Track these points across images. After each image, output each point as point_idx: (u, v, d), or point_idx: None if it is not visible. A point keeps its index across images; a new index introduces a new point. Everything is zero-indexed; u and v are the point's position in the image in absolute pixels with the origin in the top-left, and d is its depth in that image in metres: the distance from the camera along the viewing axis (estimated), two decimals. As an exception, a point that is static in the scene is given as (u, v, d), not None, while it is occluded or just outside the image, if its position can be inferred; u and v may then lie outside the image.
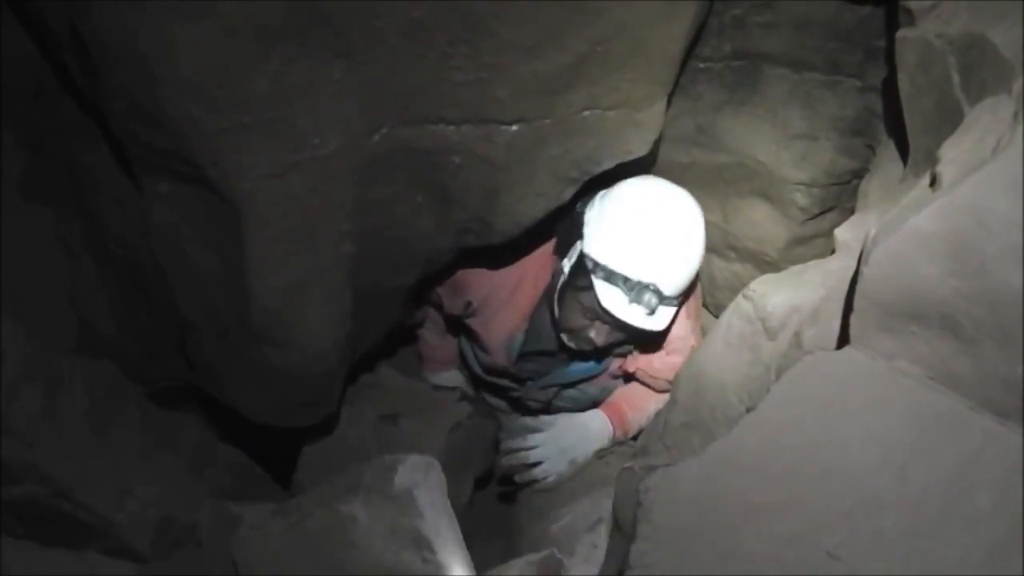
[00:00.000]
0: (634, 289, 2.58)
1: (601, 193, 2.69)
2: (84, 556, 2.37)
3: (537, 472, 2.87)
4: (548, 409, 3.24)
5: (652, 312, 2.62)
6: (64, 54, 2.23)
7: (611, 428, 2.92)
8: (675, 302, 2.67)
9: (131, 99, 2.05)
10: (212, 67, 1.93)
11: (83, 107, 2.43)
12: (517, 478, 2.91)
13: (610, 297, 2.61)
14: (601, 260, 2.60)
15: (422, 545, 2.37)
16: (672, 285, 2.61)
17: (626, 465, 2.32)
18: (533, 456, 2.88)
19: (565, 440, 2.90)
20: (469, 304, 3.04)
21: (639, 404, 3.00)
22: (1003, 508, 1.39)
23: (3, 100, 2.47)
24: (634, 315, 2.61)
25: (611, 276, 2.59)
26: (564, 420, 2.97)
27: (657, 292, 2.58)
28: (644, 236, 2.58)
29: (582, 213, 2.71)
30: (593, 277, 2.62)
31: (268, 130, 2.06)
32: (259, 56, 1.96)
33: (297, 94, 2.05)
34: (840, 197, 2.81)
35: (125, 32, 1.91)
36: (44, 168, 2.59)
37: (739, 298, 2.29)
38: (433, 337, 3.50)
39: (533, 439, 2.91)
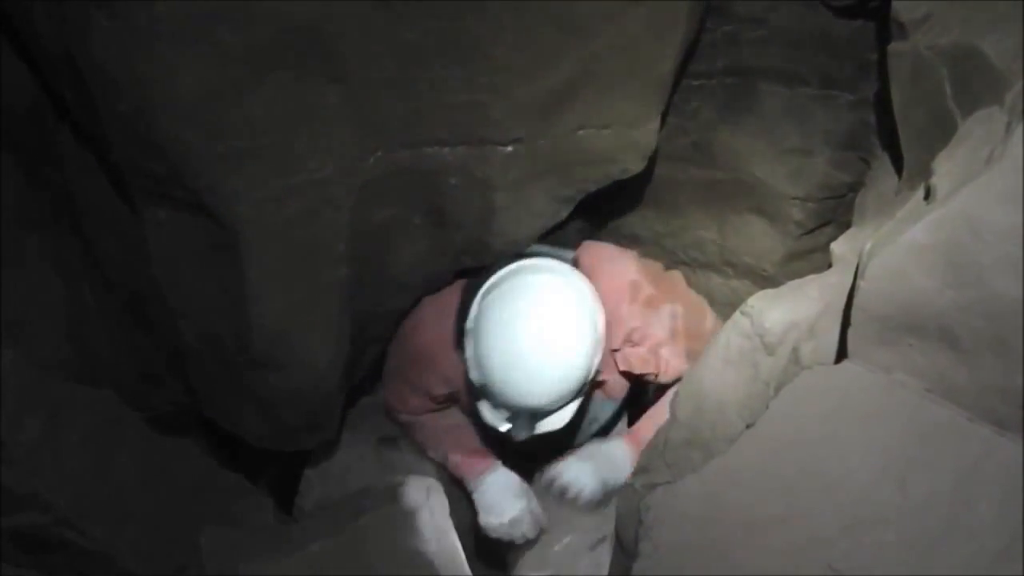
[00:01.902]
0: (512, 411, 2.46)
1: (480, 295, 2.54)
2: (87, 584, 2.37)
3: (574, 489, 2.82)
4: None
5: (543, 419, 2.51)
6: (61, 82, 2.23)
7: (634, 458, 2.85)
8: (567, 403, 2.51)
9: (128, 126, 2.05)
10: (208, 93, 1.94)
11: (80, 135, 2.44)
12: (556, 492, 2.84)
13: (494, 416, 2.51)
14: (476, 382, 2.48)
15: (426, 568, 2.37)
16: (552, 401, 2.44)
17: (627, 483, 2.32)
18: (567, 477, 2.83)
19: (599, 468, 2.85)
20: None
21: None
22: (1004, 519, 1.40)
23: (1, 129, 2.48)
24: (524, 427, 2.49)
25: (490, 397, 2.47)
26: (594, 450, 2.91)
27: (535, 413, 2.46)
28: (508, 367, 2.38)
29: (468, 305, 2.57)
30: (477, 393, 2.52)
31: (264, 155, 2.06)
32: (254, 81, 1.96)
33: (292, 118, 2.05)
34: (836, 211, 2.81)
35: (121, 59, 1.91)
36: (42, 196, 2.59)
37: (737, 314, 2.29)
38: (439, 419, 2.99)
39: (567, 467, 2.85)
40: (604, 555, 2.57)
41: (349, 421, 2.98)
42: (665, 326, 2.71)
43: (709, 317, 2.80)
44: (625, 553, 1.88)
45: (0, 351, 2.15)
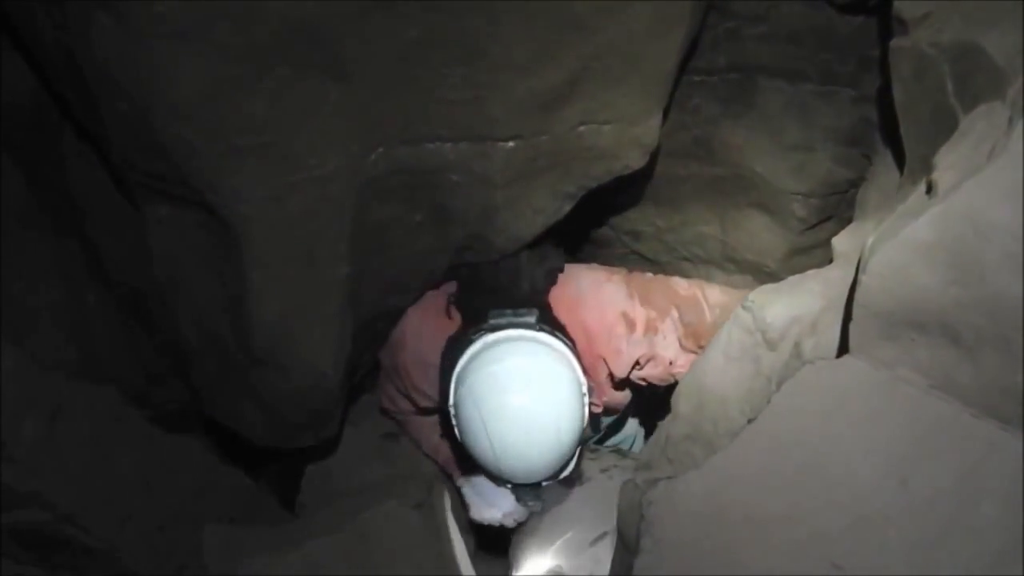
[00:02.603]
0: (512, 486, 2.49)
1: (454, 381, 2.53)
2: (88, 582, 2.37)
3: None
4: None
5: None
6: (62, 82, 2.23)
7: None
8: (567, 462, 2.52)
9: (129, 125, 2.05)
10: (208, 92, 1.94)
11: (81, 135, 2.44)
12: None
13: (495, 484, 2.54)
14: (475, 460, 2.48)
15: (427, 565, 2.38)
16: (551, 471, 2.46)
17: (628, 479, 2.32)
18: None
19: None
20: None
21: None
22: (1007, 517, 1.39)
23: (1, 129, 2.48)
24: (529, 494, 2.52)
25: (488, 475, 2.49)
26: None
27: (538, 484, 2.47)
28: (499, 459, 2.39)
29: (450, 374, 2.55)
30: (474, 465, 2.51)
31: (265, 153, 2.06)
32: (255, 80, 1.96)
33: (293, 116, 2.05)
34: (838, 207, 2.81)
35: (122, 59, 1.91)
36: (43, 196, 2.59)
37: (738, 309, 2.28)
38: (428, 418, 3.01)
39: None
40: (605, 550, 2.57)
41: (351, 418, 2.98)
42: (672, 344, 2.72)
43: (705, 303, 2.78)
44: (626, 548, 1.88)
45: (1, 350, 2.15)
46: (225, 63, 1.91)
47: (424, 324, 2.73)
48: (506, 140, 2.28)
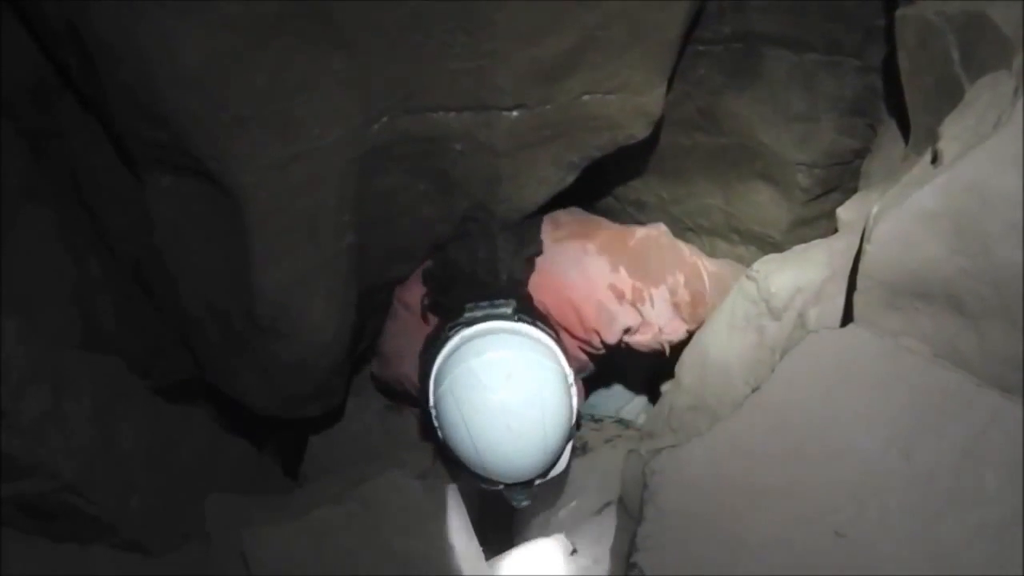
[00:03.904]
0: (503, 487, 2.38)
1: (432, 380, 2.42)
2: (92, 551, 2.37)
3: None
4: None
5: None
6: (63, 52, 2.22)
7: None
8: (559, 455, 2.43)
9: (131, 95, 2.05)
10: (211, 61, 1.93)
11: (84, 105, 2.44)
12: None
13: (486, 483, 2.42)
14: (459, 461, 2.38)
15: (430, 534, 2.38)
16: (540, 470, 2.36)
17: (632, 449, 2.32)
18: None
19: None
20: None
21: None
22: (1010, 486, 1.40)
23: (3, 99, 2.47)
24: (520, 493, 2.41)
25: (475, 476, 2.39)
26: None
27: (529, 483, 2.37)
28: (484, 460, 2.28)
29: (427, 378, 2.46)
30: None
31: (268, 122, 2.06)
32: (258, 49, 1.96)
33: (296, 86, 2.05)
34: (842, 177, 2.81)
35: (124, 28, 1.90)
36: (45, 166, 2.59)
37: (743, 279, 2.29)
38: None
39: None
40: (609, 520, 2.57)
41: (354, 388, 2.99)
42: (663, 311, 2.69)
43: (704, 272, 2.77)
44: (630, 517, 1.88)
45: (3, 321, 2.15)
46: (228, 33, 1.91)
47: (412, 334, 2.70)
48: (510, 109, 2.28)
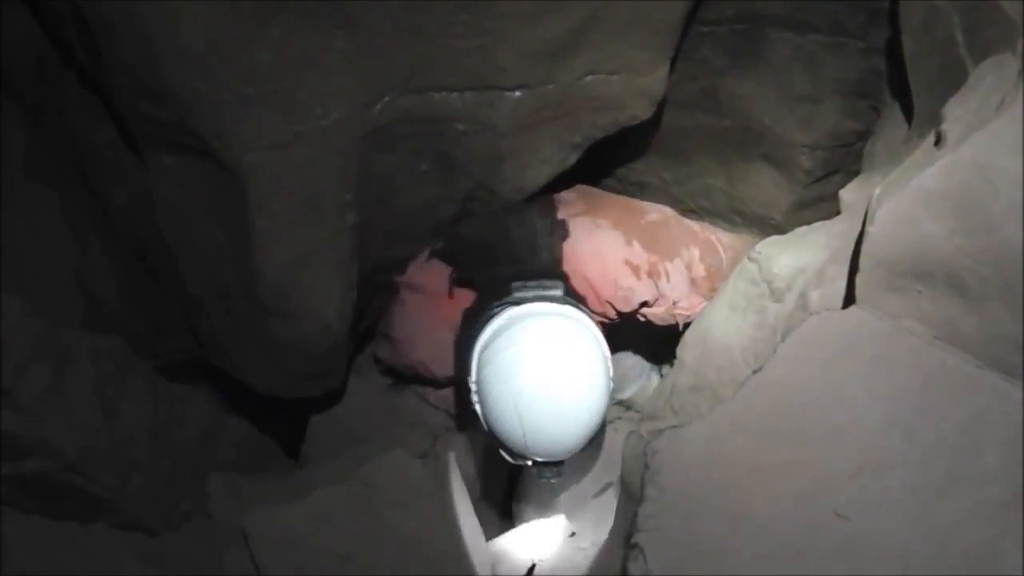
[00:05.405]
0: (534, 463, 2.40)
1: (477, 354, 2.45)
2: (94, 530, 2.38)
3: None
4: None
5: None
6: (66, 31, 2.22)
7: None
8: (592, 436, 2.43)
9: (134, 74, 2.05)
10: (214, 39, 1.93)
11: (86, 83, 2.43)
12: None
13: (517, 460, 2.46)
14: (497, 437, 2.39)
15: (433, 512, 2.39)
16: (577, 448, 2.37)
17: (633, 429, 2.32)
18: None
19: None
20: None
21: None
22: (1010, 466, 1.40)
23: (5, 78, 2.47)
24: (551, 471, 2.41)
25: (513, 455, 2.41)
26: None
27: (560, 460, 2.39)
28: (527, 438, 2.30)
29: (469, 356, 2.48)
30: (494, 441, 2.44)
31: (271, 101, 2.05)
32: (260, 27, 1.95)
33: (299, 65, 2.04)
34: (845, 159, 2.80)
35: (127, 7, 1.90)
36: (47, 145, 2.59)
37: (745, 260, 2.29)
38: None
39: None
40: (610, 500, 2.58)
41: (356, 368, 2.99)
42: (679, 285, 2.71)
43: (720, 245, 2.82)
44: (630, 498, 1.89)
45: (4, 299, 2.15)
46: (231, 11, 1.91)
47: (426, 318, 2.72)
48: (513, 89, 2.28)
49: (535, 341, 2.34)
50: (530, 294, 2.51)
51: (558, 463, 2.38)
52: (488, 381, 2.34)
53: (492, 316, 2.47)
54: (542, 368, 2.30)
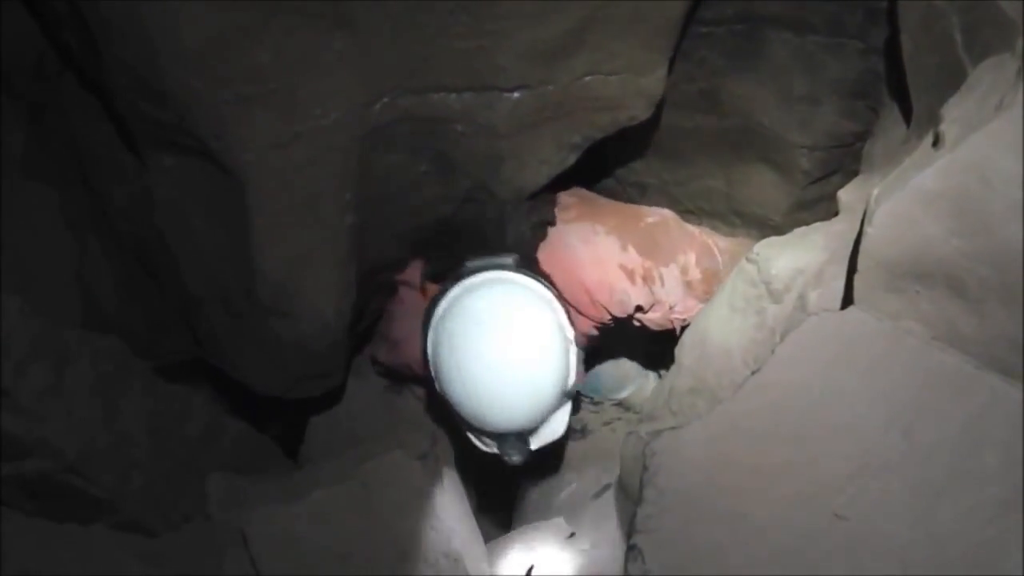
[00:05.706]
0: (497, 438, 2.41)
1: (432, 327, 2.49)
2: (93, 530, 2.38)
3: None
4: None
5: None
6: (64, 30, 2.22)
7: None
8: (554, 413, 2.46)
9: (133, 73, 2.04)
10: (213, 39, 1.93)
11: (84, 83, 2.43)
12: None
13: (481, 442, 2.49)
14: (455, 411, 2.42)
15: (430, 515, 2.39)
16: (533, 420, 2.38)
17: (631, 431, 2.32)
18: None
19: None
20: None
21: None
22: (1009, 467, 1.40)
23: (4, 78, 2.47)
24: (515, 448, 2.41)
25: (471, 428, 2.43)
26: None
27: (522, 436, 2.40)
28: (475, 401, 2.33)
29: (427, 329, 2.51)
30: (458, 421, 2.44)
31: (270, 101, 2.05)
32: (260, 27, 1.95)
33: (299, 65, 2.04)
34: (843, 160, 2.80)
35: (126, 7, 1.90)
36: (46, 145, 2.59)
37: (743, 261, 2.29)
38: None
39: None
40: (608, 502, 2.58)
41: (355, 369, 2.99)
42: (674, 290, 2.72)
43: (716, 248, 2.80)
44: (629, 499, 1.89)
45: (3, 299, 2.15)
46: (230, 10, 1.90)
47: (410, 317, 2.72)
48: (512, 90, 2.28)
49: (482, 307, 2.37)
50: (480, 263, 2.51)
51: (520, 439, 2.37)
52: (437, 348, 2.37)
53: (447, 291, 2.49)
54: (483, 328, 2.32)
